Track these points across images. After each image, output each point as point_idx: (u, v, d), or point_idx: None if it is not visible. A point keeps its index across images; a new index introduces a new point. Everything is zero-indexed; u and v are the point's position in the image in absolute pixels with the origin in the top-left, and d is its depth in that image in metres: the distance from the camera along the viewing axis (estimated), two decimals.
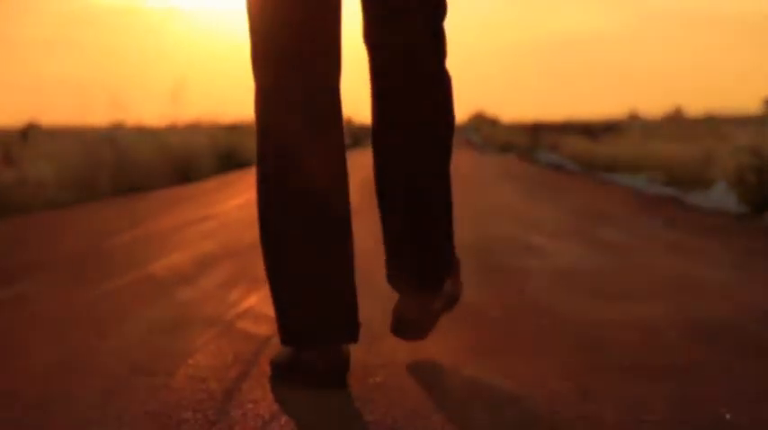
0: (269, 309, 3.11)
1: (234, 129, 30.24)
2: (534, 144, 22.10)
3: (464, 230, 5.50)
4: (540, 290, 3.45)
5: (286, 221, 2.18)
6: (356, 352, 2.23)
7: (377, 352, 2.41)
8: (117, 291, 3.48)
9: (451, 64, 2.45)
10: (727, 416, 1.88)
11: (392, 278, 2.33)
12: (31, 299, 3.37)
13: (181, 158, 11.40)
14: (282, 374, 2.19)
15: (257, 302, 3.20)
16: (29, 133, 16.53)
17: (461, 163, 14.37)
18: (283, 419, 1.88)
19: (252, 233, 5.38)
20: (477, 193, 8.61)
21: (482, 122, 61.13)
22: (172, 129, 17.24)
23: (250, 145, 16.68)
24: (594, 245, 4.74)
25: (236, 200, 7.87)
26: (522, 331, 2.73)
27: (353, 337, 2.18)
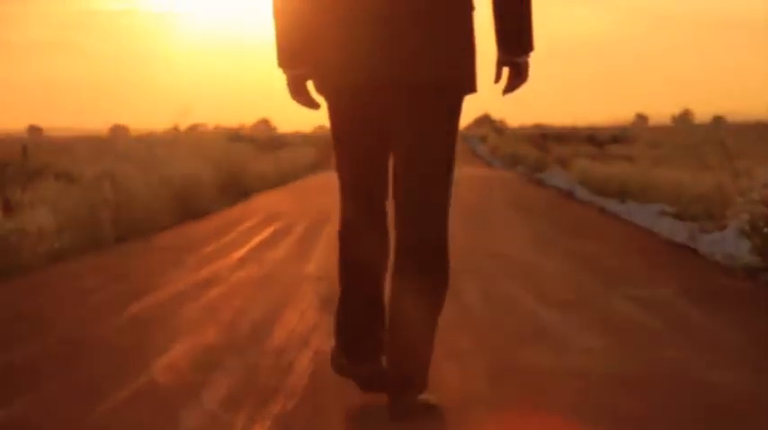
0: None
1: (236, 139, 30.10)
2: (542, 159, 21.92)
3: (469, 292, 5.39)
4: (562, 408, 3.30)
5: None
6: None
7: None
8: (116, 414, 3.34)
9: None
10: None
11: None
12: (24, 425, 3.23)
13: (182, 188, 11.22)
14: (342, 372, 3.42)
15: None
16: (29, 149, 16.42)
17: (468, 189, 14.18)
18: None
19: (255, 310, 5.25)
20: (483, 235, 8.45)
21: (488, 129, 60.89)
22: (174, 132, 17.13)
23: (252, 166, 16.57)
24: (610, 327, 4.59)
25: (239, 250, 7.71)
26: None
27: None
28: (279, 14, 3.24)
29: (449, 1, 3.09)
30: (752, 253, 6.91)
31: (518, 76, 3.22)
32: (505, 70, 3.24)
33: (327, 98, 3.27)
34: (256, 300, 5.46)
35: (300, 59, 3.21)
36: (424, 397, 3.24)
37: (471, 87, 3.17)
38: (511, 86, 3.24)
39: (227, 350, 4.24)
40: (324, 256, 7.24)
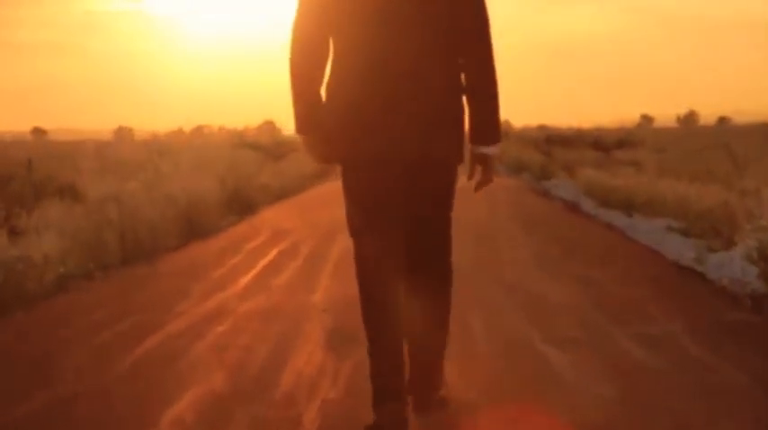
0: None
1: (241, 145, 30.06)
2: (547, 166, 21.89)
3: (476, 330, 5.36)
4: None
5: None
6: None
7: None
8: None
9: None
10: None
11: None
12: None
13: (187, 205, 11.19)
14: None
15: None
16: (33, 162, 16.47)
17: (473, 202, 14.15)
18: None
19: (263, 349, 5.22)
20: (488, 257, 8.43)
21: None
22: (179, 134, 17.20)
23: (257, 178, 16.53)
24: (618, 371, 4.57)
25: (245, 276, 7.70)
26: None
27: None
28: (295, 82, 3.52)
29: (446, 86, 3.56)
30: (759, 278, 6.90)
31: (489, 171, 3.69)
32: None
33: (340, 165, 3.64)
34: (264, 338, 5.43)
35: (316, 125, 3.57)
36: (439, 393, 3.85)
37: (462, 160, 3.67)
38: (484, 182, 3.73)
39: (234, 399, 4.21)
40: (329, 283, 7.23)
